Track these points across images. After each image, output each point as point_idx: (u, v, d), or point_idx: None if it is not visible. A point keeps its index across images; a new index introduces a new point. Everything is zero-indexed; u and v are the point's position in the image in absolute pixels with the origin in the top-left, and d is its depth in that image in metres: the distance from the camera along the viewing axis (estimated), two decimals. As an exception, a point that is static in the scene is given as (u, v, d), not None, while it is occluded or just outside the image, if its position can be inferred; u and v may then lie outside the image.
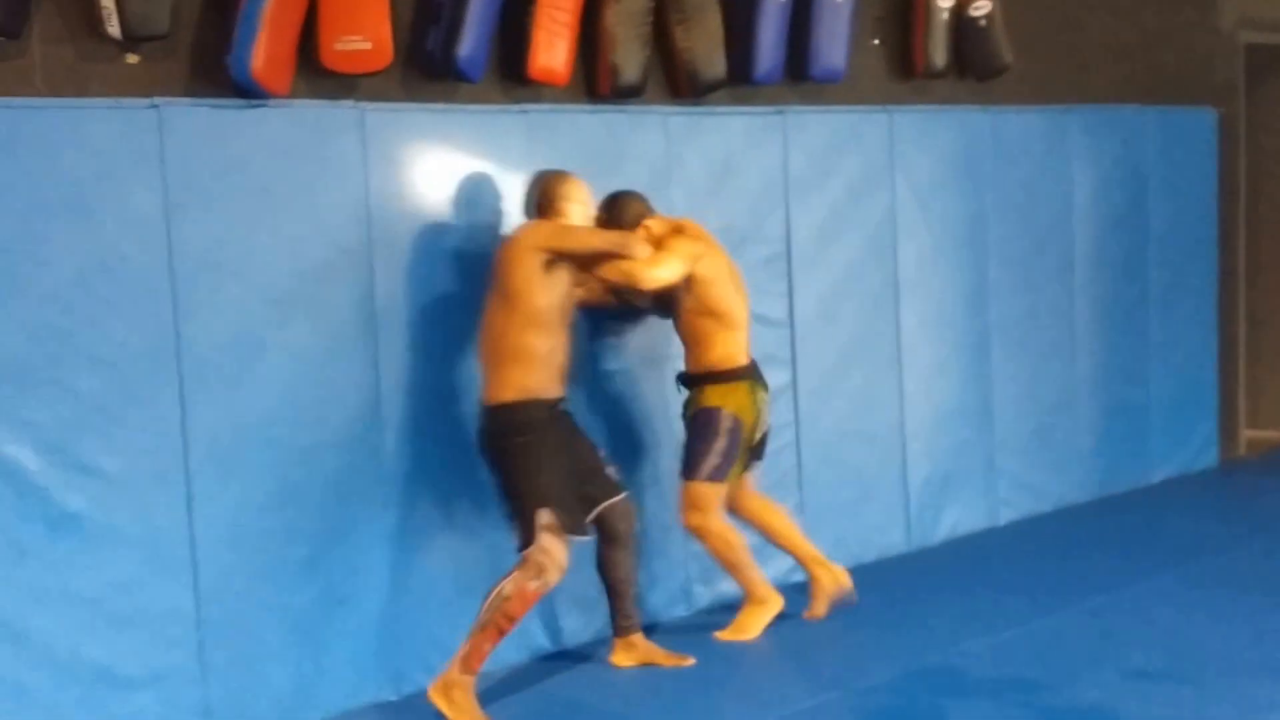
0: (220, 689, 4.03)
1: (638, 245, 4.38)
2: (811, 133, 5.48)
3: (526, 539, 4.11)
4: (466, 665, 4.05)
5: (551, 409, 4.23)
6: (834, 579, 4.99)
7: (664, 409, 4.99)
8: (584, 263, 4.33)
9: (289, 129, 4.15)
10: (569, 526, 4.16)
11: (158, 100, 3.90)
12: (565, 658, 4.70)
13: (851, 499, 5.65)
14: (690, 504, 4.68)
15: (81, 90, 3.86)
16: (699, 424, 4.66)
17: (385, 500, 4.36)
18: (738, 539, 4.78)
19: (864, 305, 5.70)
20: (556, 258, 4.18)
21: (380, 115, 4.33)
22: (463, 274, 4.51)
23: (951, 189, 5.99)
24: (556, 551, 4.10)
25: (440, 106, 4.52)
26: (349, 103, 4.28)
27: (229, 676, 4.05)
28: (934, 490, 5.95)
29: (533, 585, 4.08)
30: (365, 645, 4.32)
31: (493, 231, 4.57)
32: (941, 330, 5.99)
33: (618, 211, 4.58)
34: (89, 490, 3.80)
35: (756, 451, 4.84)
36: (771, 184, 5.36)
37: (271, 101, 4.09)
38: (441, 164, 4.49)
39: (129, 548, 3.87)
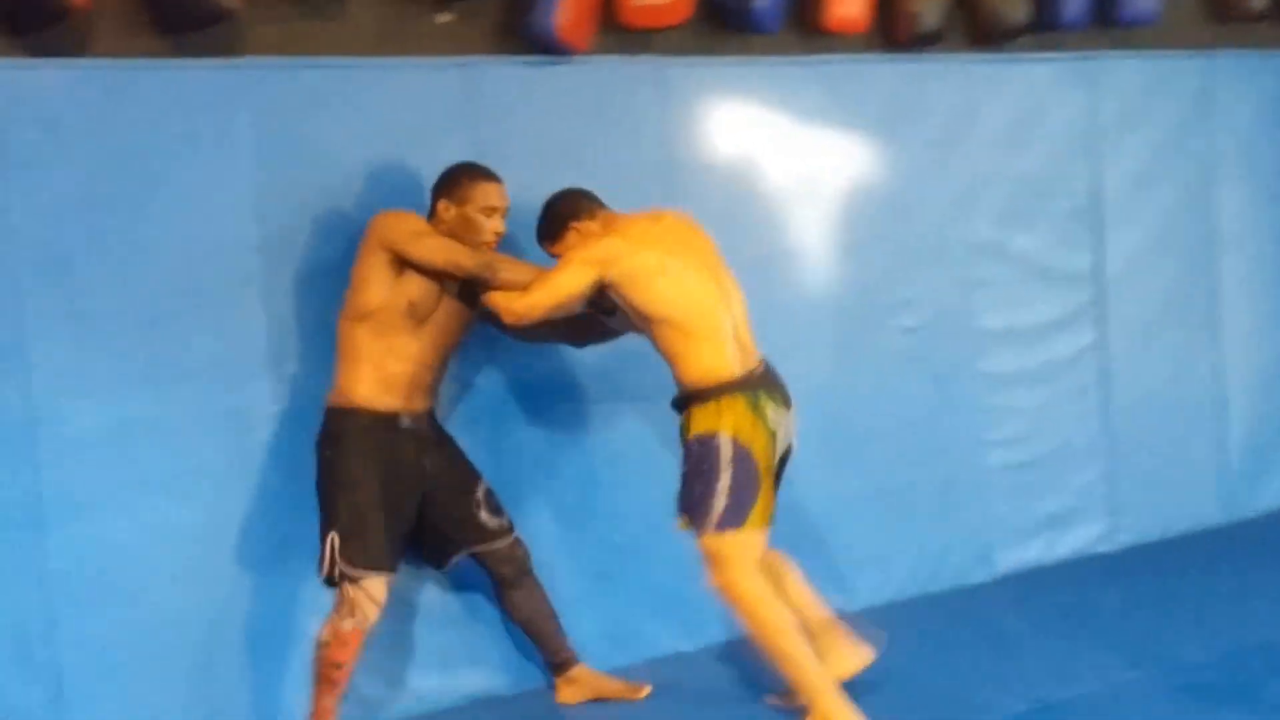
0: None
1: (504, 269, 3.61)
2: (1122, 79, 5.18)
3: (322, 565, 3.57)
4: None
5: (384, 424, 3.60)
6: (844, 660, 3.76)
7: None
8: (454, 280, 3.67)
9: (591, 85, 4.19)
10: (359, 559, 3.52)
11: (467, 59, 4.00)
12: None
13: (1162, 466, 5.33)
14: (709, 562, 3.61)
15: (398, 49, 3.99)
16: (692, 459, 3.60)
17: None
18: (780, 614, 3.58)
19: (1179, 260, 5.36)
20: (403, 262, 3.58)
21: (679, 70, 4.33)
22: (764, 231, 4.47)
23: (1276, 137, 5.56)
24: (369, 585, 3.53)
25: (738, 60, 4.48)
26: (648, 58, 4.30)
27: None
28: (1255, 458, 5.55)
29: (347, 625, 3.54)
30: (661, 597, 4.36)
31: (789, 188, 4.51)
32: (1266, 286, 5.57)
33: (544, 218, 3.83)
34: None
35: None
36: (1078, 134, 5.11)
37: (574, 58, 4.15)
38: (740, 118, 4.46)
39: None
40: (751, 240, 4.45)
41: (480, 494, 3.82)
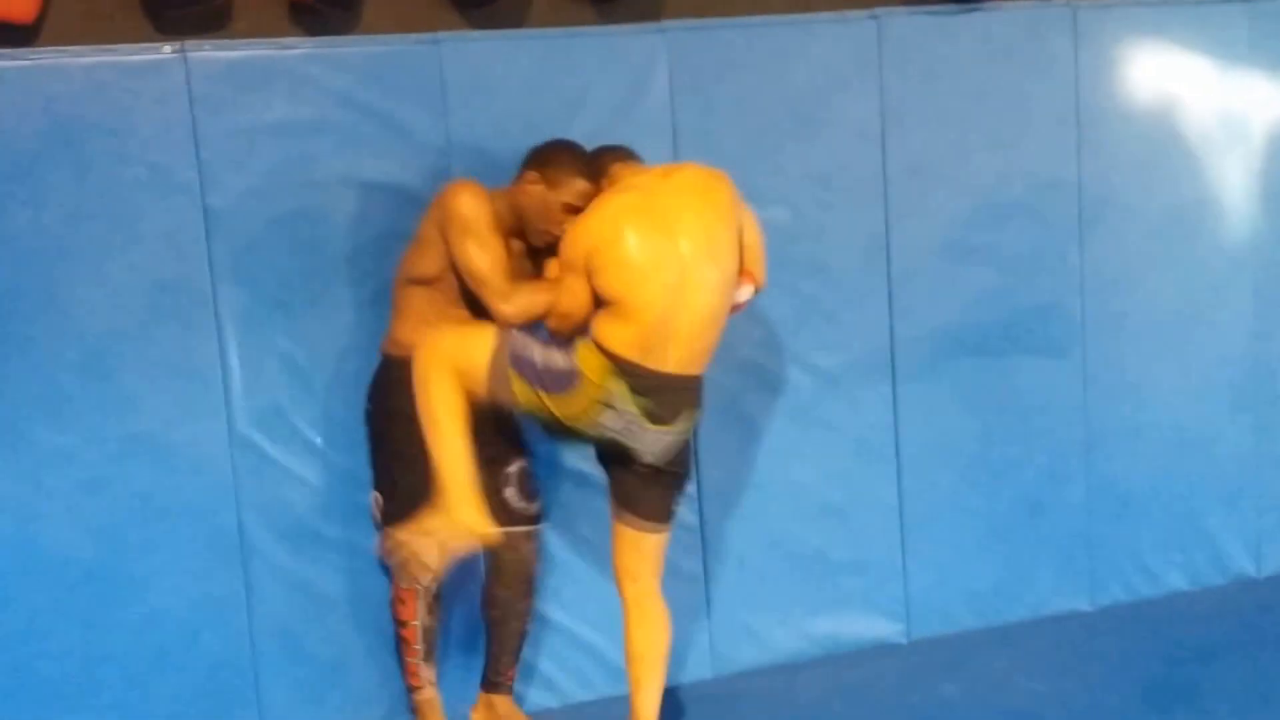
0: (920, 582, 4.19)
1: (521, 310, 3.30)
2: None
3: (373, 519, 3.56)
4: (409, 685, 3.61)
5: None
6: None
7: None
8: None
9: (1002, 32, 4.10)
10: (401, 520, 3.37)
11: (877, 10, 4.01)
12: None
13: None
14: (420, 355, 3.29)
15: (805, 5, 4.05)
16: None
17: (1080, 406, 4.28)
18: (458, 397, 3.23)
19: None
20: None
21: (1092, 13, 4.17)
22: (1180, 180, 4.30)
23: None
24: (414, 544, 3.37)
25: (1156, 1, 4.26)
26: (1060, 2, 4.16)
27: (928, 572, 4.19)
28: None
29: (403, 583, 3.51)
30: (1061, 554, 4.30)
31: (1209, 135, 4.29)
32: None
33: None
34: (806, 385, 4.05)
35: (650, 511, 3.39)
36: None
37: (984, 5, 4.07)
38: (1157, 61, 4.26)
39: (842, 439, 4.09)
40: (1167, 188, 4.29)
41: (514, 469, 3.57)
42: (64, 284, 3.45)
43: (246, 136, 3.53)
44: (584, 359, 3.21)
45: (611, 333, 3.19)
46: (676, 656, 3.53)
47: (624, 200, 3.23)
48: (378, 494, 3.52)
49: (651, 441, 3.27)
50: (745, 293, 3.37)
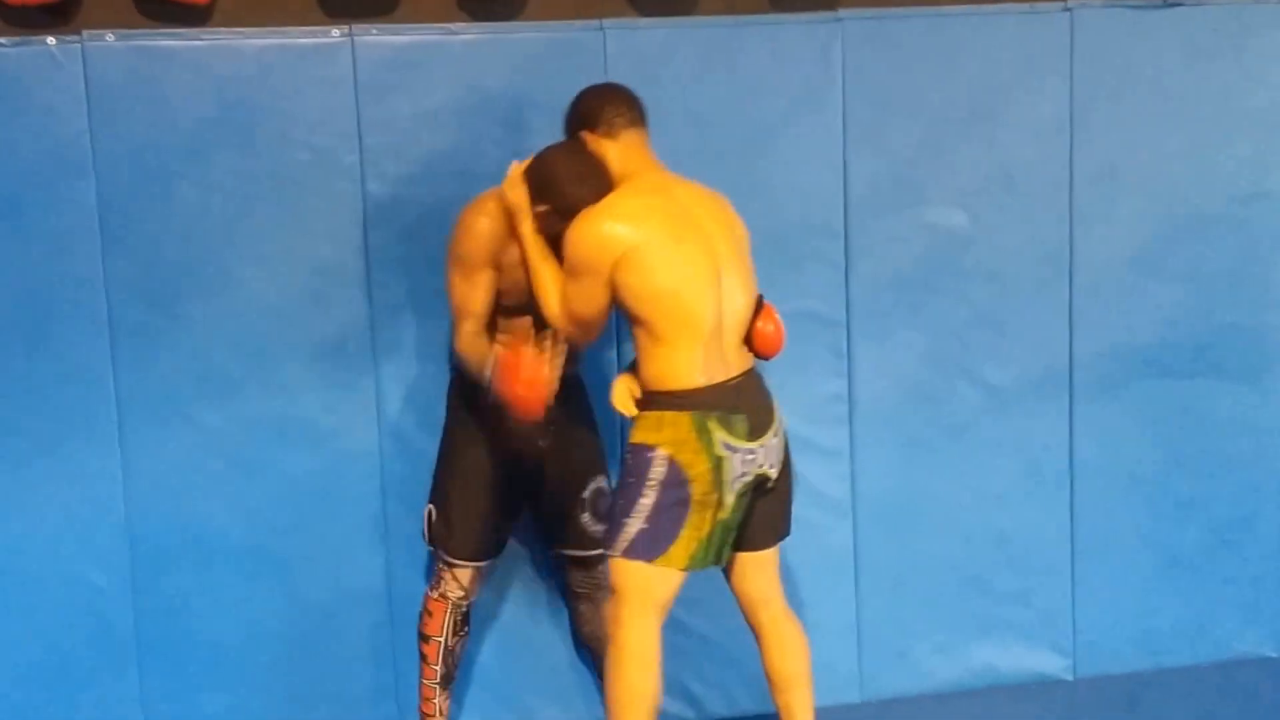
0: (1090, 616, 3.93)
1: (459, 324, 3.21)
2: None
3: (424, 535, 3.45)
4: (421, 713, 3.49)
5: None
6: None
7: None
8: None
9: (1206, 28, 3.81)
10: (446, 543, 3.35)
11: (1070, 2, 3.76)
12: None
13: None
14: (612, 587, 3.10)
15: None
16: (624, 468, 3.07)
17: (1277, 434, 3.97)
18: (644, 685, 3.05)
19: None
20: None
21: (1311, 9, 3.85)
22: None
23: None
24: (456, 567, 3.37)
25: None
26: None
27: (1099, 605, 3.93)
28: None
29: (434, 595, 3.41)
30: (1250, 594, 3.98)
31: None
32: None
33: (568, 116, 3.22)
34: (974, 400, 3.83)
35: (769, 526, 3.19)
36: None
37: (1187, 0, 3.79)
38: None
39: (1011, 458, 3.86)
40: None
41: (589, 493, 3.43)
42: (228, 265, 3.49)
43: (409, 123, 3.50)
44: (664, 437, 2.97)
45: (669, 368, 2.97)
46: (823, 678, 3.37)
47: (647, 202, 3.02)
48: (431, 507, 3.42)
49: (767, 456, 3.06)
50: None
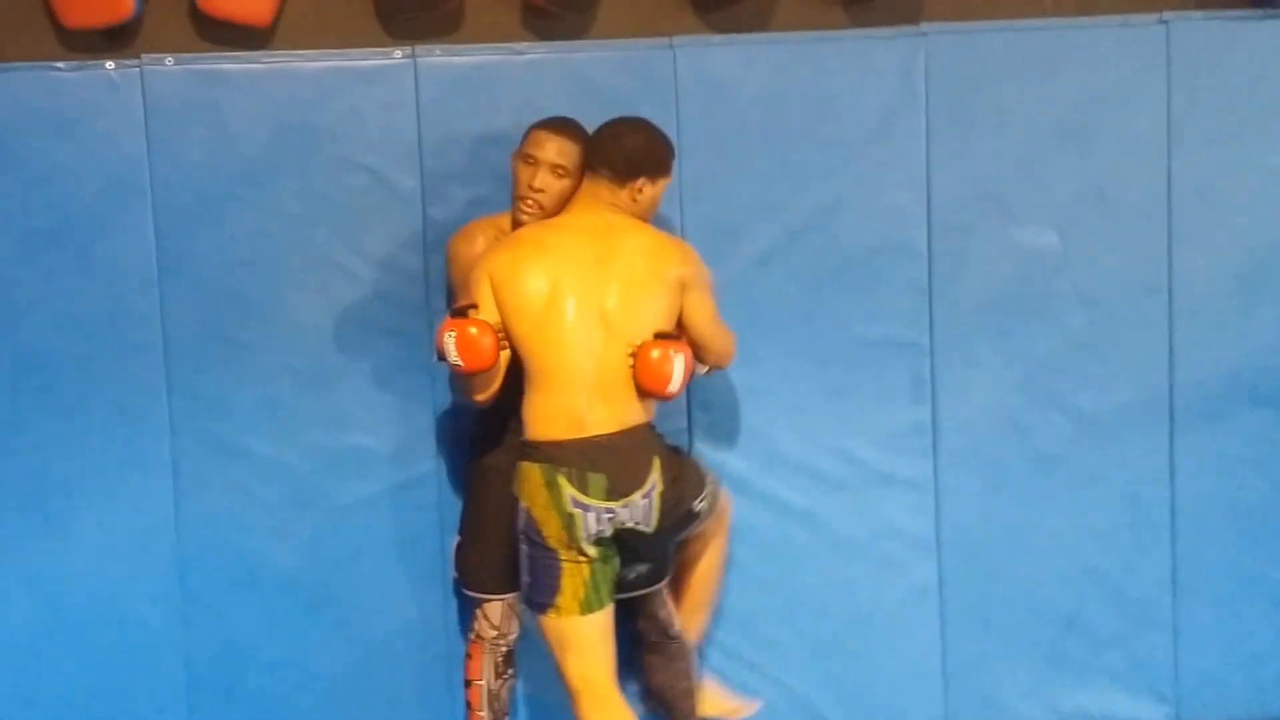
0: (1193, 660, 3.69)
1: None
2: None
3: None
4: None
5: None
6: None
7: None
8: None
9: (1312, 37, 3.60)
10: (467, 576, 3.27)
11: (1166, 14, 3.57)
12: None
13: None
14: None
15: (1087, 8, 3.65)
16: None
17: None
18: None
19: None
20: None
21: None
22: None
23: None
24: (486, 604, 3.25)
25: None
26: (1386, 4, 3.63)
27: (1204, 648, 3.69)
28: None
29: (471, 637, 3.29)
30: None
31: None
32: None
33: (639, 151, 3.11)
34: (1066, 430, 3.63)
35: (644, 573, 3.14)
36: None
37: (1287, 10, 3.59)
38: None
39: (1108, 492, 3.64)
40: None
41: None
42: (284, 292, 3.41)
43: (472, 145, 3.40)
44: (520, 489, 2.94)
45: (531, 415, 2.93)
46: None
47: (540, 238, 2.97)
48: (458, 538, 3.32)
49: (633, 514, 2.93)
50: (678, 364, 2.89)
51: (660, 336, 2.91)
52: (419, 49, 3.40)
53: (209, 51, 3.41)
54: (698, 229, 3.43)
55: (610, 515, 2.88)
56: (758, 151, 3.35)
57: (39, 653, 3.45)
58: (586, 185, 3.05)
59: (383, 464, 3.45)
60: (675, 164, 3.14)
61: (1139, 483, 3.65)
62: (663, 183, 3.09)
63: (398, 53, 3.40)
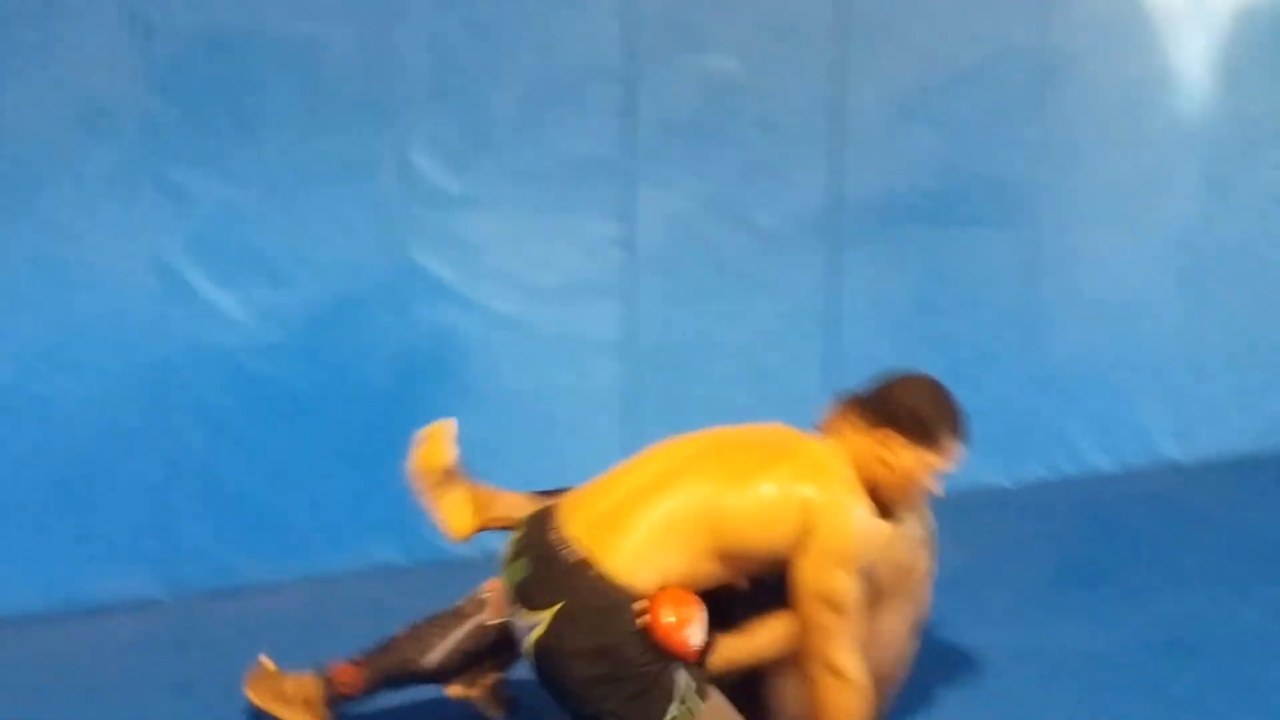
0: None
1: None
2: None
3: None
4: None
5: None
6: None
7: None
8: None
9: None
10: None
11: None
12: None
13: None
14: None
15: None
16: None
17: (1024, 279, 4.23)
18: None
19: None
20: None
21: None
22: (1147, 50, 4.20)
23: None
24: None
25: None
26: None
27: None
28: None
29: None
30: (985, 429, 4.26)
31: (1171, 5, 4.17)
32: None
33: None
34: (747, 243, 3.91)
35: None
36: None
37: None
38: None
39: (779, 301, 3.97)
40: (1131, 61, 4.19)
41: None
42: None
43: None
44: None
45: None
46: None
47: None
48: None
49: (519, 629, 2.39)
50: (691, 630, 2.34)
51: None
52: None
53: None
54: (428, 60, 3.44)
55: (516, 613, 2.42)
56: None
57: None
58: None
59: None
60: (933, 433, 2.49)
61: (806, 290, 4.00)
62: (923, 452, 2.47)
63: None
